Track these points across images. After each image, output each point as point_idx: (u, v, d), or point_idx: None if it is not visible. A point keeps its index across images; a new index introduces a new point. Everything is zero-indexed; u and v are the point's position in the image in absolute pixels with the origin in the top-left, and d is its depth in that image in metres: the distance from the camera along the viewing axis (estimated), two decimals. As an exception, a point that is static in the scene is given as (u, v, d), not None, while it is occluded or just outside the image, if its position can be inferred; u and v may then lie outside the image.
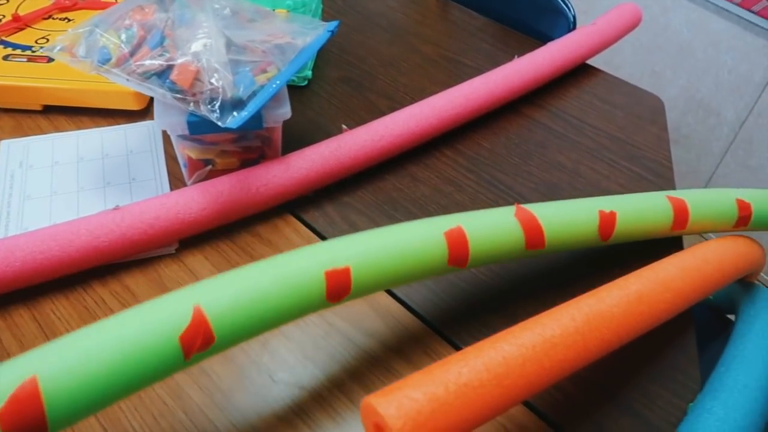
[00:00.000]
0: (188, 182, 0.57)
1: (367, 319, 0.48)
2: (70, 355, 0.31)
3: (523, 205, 0.46)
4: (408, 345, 0.47)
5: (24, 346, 0.44)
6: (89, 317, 0.47)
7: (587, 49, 0.79)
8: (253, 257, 0.52)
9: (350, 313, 0.49)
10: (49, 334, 0.45)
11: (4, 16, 0.73)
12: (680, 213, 0.51)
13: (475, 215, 0.44)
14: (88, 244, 0.47)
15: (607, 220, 0.48)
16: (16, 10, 0.73)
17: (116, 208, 0.49)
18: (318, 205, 0.58)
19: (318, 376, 0.44)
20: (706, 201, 0.52)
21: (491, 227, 0.44)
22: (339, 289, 0.38)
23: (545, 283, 0.53)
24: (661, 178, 0.65)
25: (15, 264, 0.45)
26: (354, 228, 0.56)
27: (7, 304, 0.47)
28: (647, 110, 0.75)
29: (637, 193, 0.52)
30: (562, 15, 0.91)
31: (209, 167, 0.56)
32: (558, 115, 0.73)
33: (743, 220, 0.53)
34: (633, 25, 0.86)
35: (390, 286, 0.42)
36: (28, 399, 0.29)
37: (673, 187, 0.64)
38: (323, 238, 0.55)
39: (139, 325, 0.33)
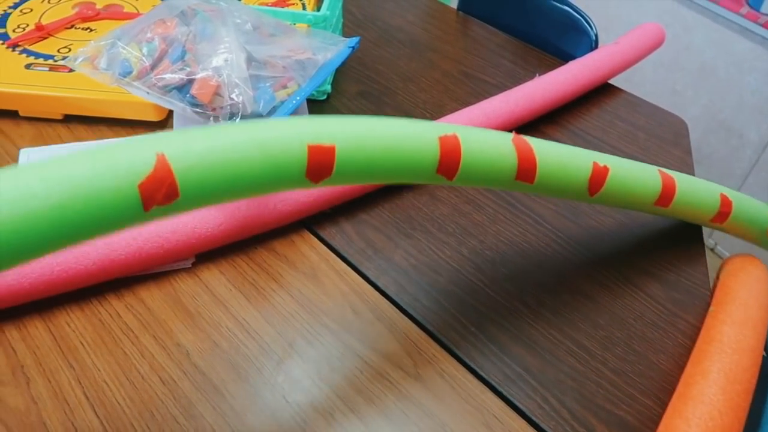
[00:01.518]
0: (205, 196, 0.57)
1: (382, 339, 0.48)
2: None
3: (522, 136, 0.44)
4: (423, 368, 0.46)
5: (38, 358, 0.44)
6: (103, 330, 0.46)
7: (609, 69, 0.78)
8: (269, 273, 0.52)
9: (366, 334, 0.48)
10: (63, 346, 0.45)
11: (27, 25, 0.73)
12: (668, 189, 0.50)
13: (473, 131, 0.42)
14: (104, 257, 0.47)
15: (599, 173, 0.46)
16: (39, 20, 0.74)
17: (133, 222, 0.49)
18: (335, 221, 0.57)
19: (332, 399, 0.44)
20: (693, 186, 0.53)
21: (487, 145, 0.41)
22: (321, 167, 0.35)
23: (570, 310, 0.52)
24: (684, 201, 0.64)
25: (31, 276, 0.44)
26: (370, 245, 0.55)
27: (22, 316, 0.47)
28: (670, 132, 0.74)
29: (632, 161, 0.52)
30: (585, 34, 0.91)
31: (227, 181, 0.56)
32: (579, 135, 0.72)
33: (722, 216, 0.54)
34: (656, 45, 0.84)
35: (375, 178, 0.39)
36: None
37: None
38: (339, 255, 0.54)
39: (95, 166, 0.29)
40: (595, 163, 0.46)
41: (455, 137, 0.39)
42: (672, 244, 0.59)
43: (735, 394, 0.41)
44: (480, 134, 0.42)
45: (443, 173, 0.40)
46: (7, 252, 0.27)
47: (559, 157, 0.45)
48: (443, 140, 0.39)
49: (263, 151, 0.33)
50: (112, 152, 0.30)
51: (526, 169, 0.42)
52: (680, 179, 0.52)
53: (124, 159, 0.30)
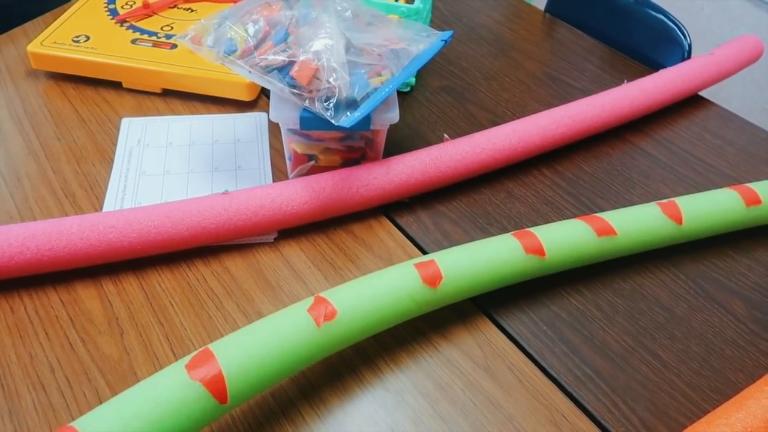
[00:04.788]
0: (290, 175, 0.59)
1: (454, 328, 0.48)
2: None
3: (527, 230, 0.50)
4: (493, 360, 0.46)
5: (131, 313, 0.47)
6: (191, 293, 0.49)
7: (701, 80, 0.76)
8: (347, 254, 0.53)
9: (438, 321, 0.49)
10: (154, 304, 0.48)
11: (134, 3, 0.77)
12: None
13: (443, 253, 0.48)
14: (197, 224, 0.49)
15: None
16: (146, -2, 0.78)
17: (226, 193, 0.52)
18: (412, 210, 0.59)
19: (403, 381, 0.45)
20: (701, 201, 0.56)
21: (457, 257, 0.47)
22: (325, 315, 0.41)
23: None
24: (772, 221, 0.62)
25: (131, 235, 0.48)
26: (446, 237, 0.56)
27: (118, 272, 0.50)
28: (763, 149, 0.71)
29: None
30: (678, 44, 0.88)
31: (312, 162, 0.58)
32: (664, 145, 0.70)
33: (751, 199, 0.57)
34: (753, 59, 0.81)
35: (380, 321, 0.44)
36: None
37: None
38: (416, 243, 0.55)
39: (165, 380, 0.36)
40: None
41: (433, 263, 0.46)
42: (756, 262, 0.57)
43: None
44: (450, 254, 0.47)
45: (429, 283, 0.45)
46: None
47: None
48: (419, 266, 0.45)
49: (279, 333, 0.40)
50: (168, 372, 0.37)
51: (531, 245, 0.48)
52: (684, 202, 0.55)
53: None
